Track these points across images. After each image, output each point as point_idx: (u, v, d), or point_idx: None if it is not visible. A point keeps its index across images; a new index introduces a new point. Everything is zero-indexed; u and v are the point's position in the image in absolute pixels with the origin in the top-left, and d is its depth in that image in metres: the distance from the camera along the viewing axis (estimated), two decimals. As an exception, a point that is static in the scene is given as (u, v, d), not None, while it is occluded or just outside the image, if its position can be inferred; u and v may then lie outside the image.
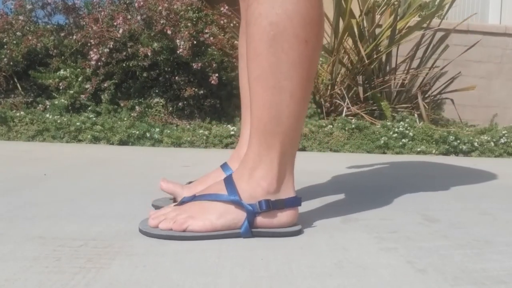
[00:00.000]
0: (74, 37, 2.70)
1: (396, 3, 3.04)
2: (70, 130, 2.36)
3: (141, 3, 2.65)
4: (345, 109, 2.75)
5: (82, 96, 2.60)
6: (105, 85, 2.64)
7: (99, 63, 2.61)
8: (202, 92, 2.70)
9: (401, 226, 0.83)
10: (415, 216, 0.91)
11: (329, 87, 2.83)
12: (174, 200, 0.93)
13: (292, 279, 0.56)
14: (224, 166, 0.95)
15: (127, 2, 2.87)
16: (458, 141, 2.52)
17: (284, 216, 0.76)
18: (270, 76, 0.74)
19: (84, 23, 2.73)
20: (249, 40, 0.76)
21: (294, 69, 0.74)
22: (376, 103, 2.82)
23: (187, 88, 2.67)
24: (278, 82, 0.74)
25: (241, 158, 0.91)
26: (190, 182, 0.96)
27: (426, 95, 3.11)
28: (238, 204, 0.74)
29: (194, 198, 0.78)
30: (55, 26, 2.91)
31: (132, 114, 2.58)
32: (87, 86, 2.62)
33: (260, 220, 0.75)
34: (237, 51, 3.01)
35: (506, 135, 2.62)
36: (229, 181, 0.77)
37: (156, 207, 0.89)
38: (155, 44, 2.61)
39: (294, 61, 0.74)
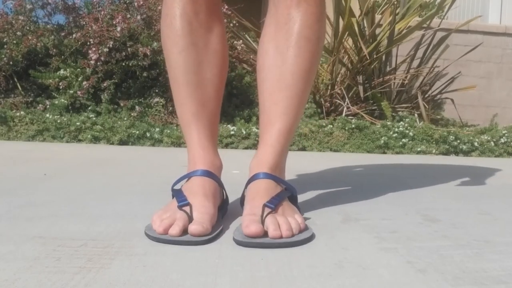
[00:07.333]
0: (74, 35, 2.70)
1: (396, 3, 3.04)
2: (70, 130, 2.36)
3: (141, 2, 2.65)
4: (345, 109, 2.75)
5: (79, 92, 2.59)
6: (105, 84, 2.64)
7: (99, 63, 2.61)
8: (202, 92, 2.70)
9: (401, 226, 0.83)
10: (415, 216, 0.91)
11: (329, 87, 2.83)
12: None
13: (292, 279, 0.56)
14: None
15: (127, 1, 2.87)
16: (458, 141, 2.52)
17: None
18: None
19: (84, 22, 2.73)
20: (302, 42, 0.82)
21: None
22: (376, 103, 2.82)
23: (187, 88, 2.67)
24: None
25: (214, 164, 0.88)
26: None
27: (426, 95, 3.11)
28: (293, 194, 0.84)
29: (270, 203, 0.74)
30: (55, 26, 2.91)
31: (132, 114, 2.58)
32: (85, 83, 2.61)
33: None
34: (236, 51, 3.01)
35: (506, 135, 2.62)
36: (279, 179, 0.81)
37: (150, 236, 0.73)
38: (155, 44, 2.61)
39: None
